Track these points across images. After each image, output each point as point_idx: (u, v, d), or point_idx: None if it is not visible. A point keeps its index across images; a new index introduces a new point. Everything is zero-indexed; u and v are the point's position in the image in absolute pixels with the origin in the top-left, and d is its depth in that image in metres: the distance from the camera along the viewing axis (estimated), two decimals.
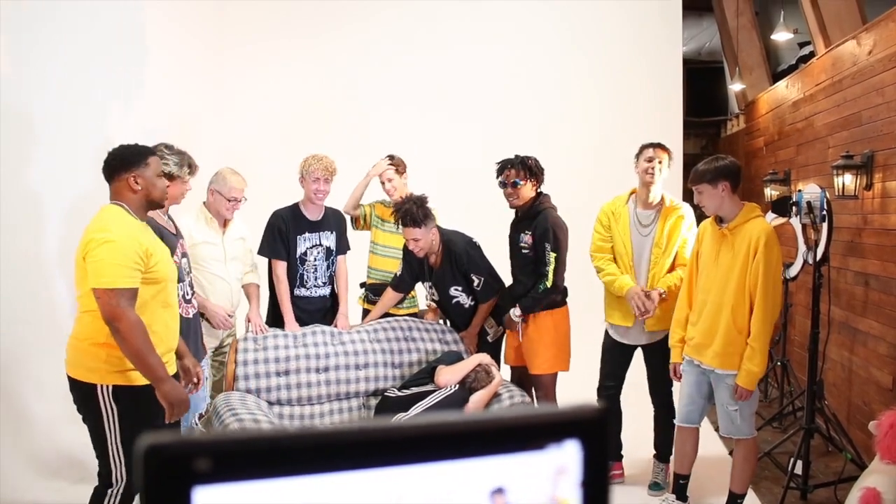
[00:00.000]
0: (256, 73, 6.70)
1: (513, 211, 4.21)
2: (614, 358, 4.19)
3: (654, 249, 4.00)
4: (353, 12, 6.81)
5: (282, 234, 4.20)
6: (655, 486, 4.20)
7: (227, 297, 4.05)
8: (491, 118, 6.87)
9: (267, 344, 4.00)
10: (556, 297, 4.10)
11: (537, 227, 4.03)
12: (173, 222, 3.61)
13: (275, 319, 4.31)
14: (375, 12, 6.85)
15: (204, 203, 4.06)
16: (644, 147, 4.06)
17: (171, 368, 3.04)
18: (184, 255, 3.54)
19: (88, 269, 2.73)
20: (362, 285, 4.79)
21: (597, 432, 0.62)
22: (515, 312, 4.10)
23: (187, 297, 3.53)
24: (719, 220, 3.61)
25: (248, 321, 4.16)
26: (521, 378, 4.31)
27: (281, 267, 4.20)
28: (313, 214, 4.28)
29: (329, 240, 4.31)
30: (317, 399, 3.97)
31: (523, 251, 4.10)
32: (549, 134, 6.57)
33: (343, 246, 4.42)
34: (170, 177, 3.42)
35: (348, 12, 6.81)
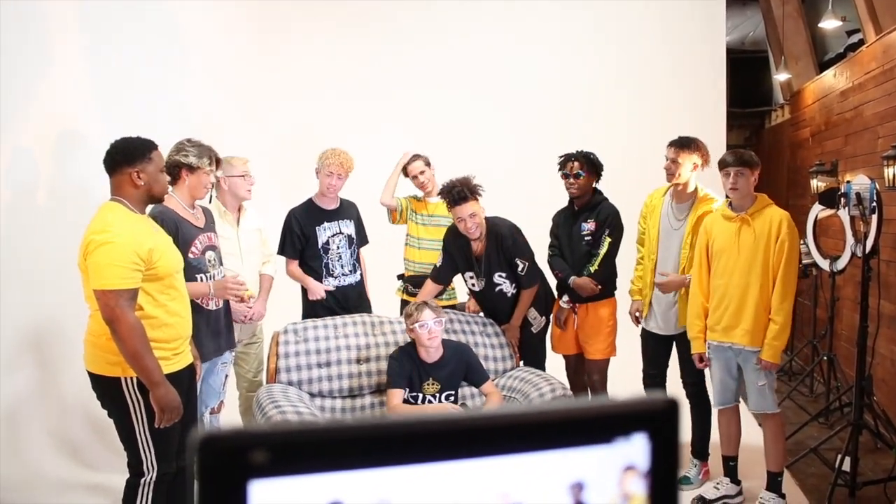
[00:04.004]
0: (284, 71, 6.68)
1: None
2: (652, 346, 4.25)
3: (683, 251, 3.99)
4: (380, 8, 6.80)
5: (292, 233, 4.28)
6: (685, 480, 4.17)
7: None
8: (525, 112, 6.81)
9: (307, 335, 4.00)
10: (609, 287, 4.25)
11: (601, 212, 4.18)
12: (207, 215, 3.61)
13: (309, 312, 4.36)
14: (405, 9, 6.83)
15: (215, 197, 4.04)
16: (668, 145, 4.04)
17: (186, 358, 3.06)
18: (210, 247, 3.53)
19: (89, 270, 2.72)
20: (400, 277, 4.84)
21: (666, 426, 0.60)
22: (565, 299, 4.27)
23: (211, 291, 3.51)
24: (732, 209, 3.72)
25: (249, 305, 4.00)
26: (576, 365, 4.46)
27: (292, 264, 4.32)
28: (328, 204, 4.36)
29: (348, 227, 4.38)
30: (358, 390, 3.97)
31: (585, 239, 4.21)
32: (588, 128, 6.45)
33: (362, 237, 4.50)
34: (190, 168, 3.42)
35: (375, 7, 6.79)
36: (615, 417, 0.60)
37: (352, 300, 4.41)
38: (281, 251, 4.35)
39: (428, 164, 4.68)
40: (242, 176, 3.99)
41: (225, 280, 3.54)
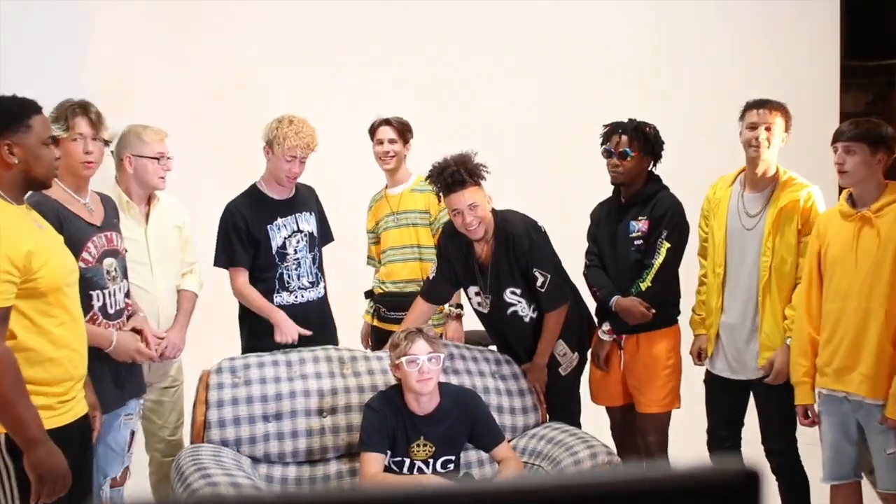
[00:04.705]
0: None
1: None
2: (721, 397, 4.22)
3: (762, 258, 3.98)
4: None
5: (240, 232, 4.28)
6: None
7: (154, 316, 4.00)
8: (555, 70, 6.71)
9: (249, 376, 3.94)
10: (668, 311, 4.22)
11: (657, 207, 4.16)
12: (107, 206, 3.63)
13: (252, 342, 4.35)
14: None
15: (115, 182, 4.02)
16: (747, 107, 4.04)
17: (79, 408, 3.03)
18: (110, 252, 3.53)
19: None
20: (369, 295, 4.94)
21: (747, 497, 0.60)
22: (604, 328, 4.23)
23: (111, 310, 3.49)
24: (851, 203, 3.68)
25: (159, 342, 3.94)
26: (624, 420, 4.43)
27: (241, 276, 4.29)
28: (281, 193, 4.38)
29: (309, 223, 4.43)
30: (320, 454, 3.92)
31: (635, 244, 4.21)
32: (652, 90, 6.43)
33: (326, 233, 4.59)
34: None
35: None
36: (677, 494, 0.60)
37: (313, 325, 4.37)
38: (226, 261, 4.31)
39: (403, 135, 4.78)
40: (157, 158, 3.96)
41: (132, 336, 3.56)
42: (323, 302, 4.51)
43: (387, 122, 4.79)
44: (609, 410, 4.50)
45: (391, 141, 4.74)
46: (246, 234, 4.29)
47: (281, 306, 4.32)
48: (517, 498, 0.60)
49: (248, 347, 4.37)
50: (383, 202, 4.86)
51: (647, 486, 0.63)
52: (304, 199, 4.47)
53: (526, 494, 0.60)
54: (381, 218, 4.85)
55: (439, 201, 4.19)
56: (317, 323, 4.41)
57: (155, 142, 3.97)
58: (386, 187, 4.88)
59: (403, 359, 3.62)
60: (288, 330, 4.25)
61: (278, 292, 4.34)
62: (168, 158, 4.02)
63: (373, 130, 4.81)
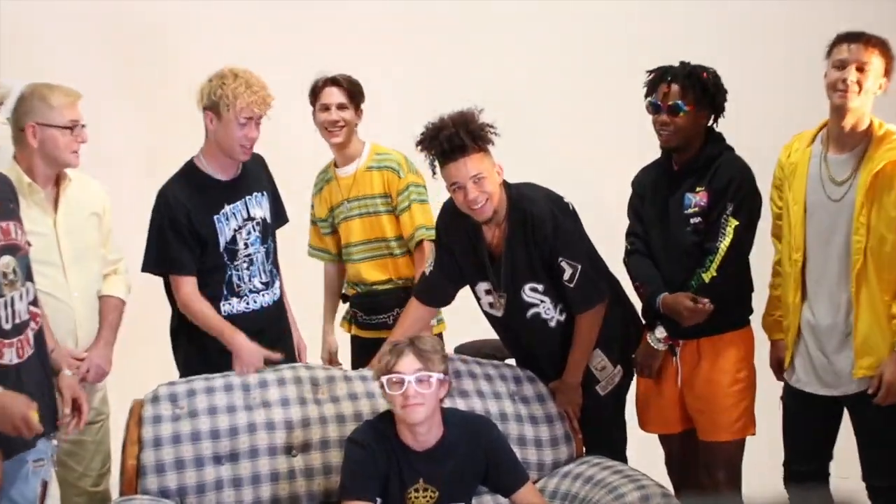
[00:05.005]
0: None
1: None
2: (805, 419, 4.13)
3: (855, 237, 3.88)
4: None
5: (181, 228, 4.22)
6: None
7: (70, 329, 3.98)
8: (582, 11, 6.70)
9: (195, 406, 3.90)
10: (738, 309, 4.22)
11: (719, 174, 4.09)
12: (2, 188, 3.54)
13: (194, 361, 4.30)
14: None
15: (12, 161, 3.99)
16: (837, 40, 3.92)
17: None
18: (7, 248, 3.41)
19: None
20: (344, 300, 5.04)
21: None
22: (658, 333, 4.16)
23: (6, 325, 3.35)
24: None
25: (78, 364, 4.01)
26: (682, 451, 4.40)
27: (188, 286, 4.23)
28: (227, 171, 4.32)
29: (261, 206, 4.41)
30: None
31: (692, 221, 4.14)
32: (706, 22, 6.46)
33: (280, 215, 4.61)
34: None
35: None
36: None
37: (269, 335, 4.36)
38: (164, 265, 4.26)
39: (354, 98, 4.73)
40: (69, 128, 3.92)
41: (21, 401, 3.36)
42: (279, 306, 4.51)
43: (334, 81, 4.76)
44: (663, 439, 4.47)
45: (340, 106, 4.72)
46: (189, 231, 4.23)
47: (230, 316, 4.28)
48: None
49: (186, 365, 4.35)
50: (334, 185, 4.89)
51: None
52: (254, 177, 4.42)
53: None
54: (337, 205, 4.87)
55: (433, 173, 4.09)
56: (273, 335, 4.40)
57: (65, 106, 3.93)
58: (334, 165, 4.90)
59: (384, 378, 3.56)
60: (251, 359, 4.17)
61: (227, 299, 4.31)
62: (82, 127, 3.97)
63: (315, 92, 4.78)
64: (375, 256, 4.79)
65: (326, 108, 4.71)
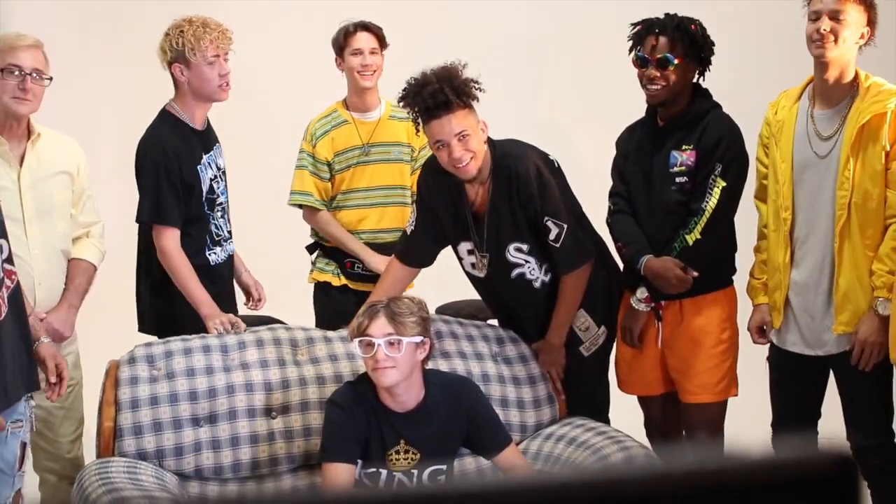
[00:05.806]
0: None
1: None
2: (793, 380, 4.15)
3: (838, 193, 3.88)
4: None
5: (173, 177, 4.23)
6: None
7: (28, 286, 3.82)
8: None
9: (172, 367, 3.88)
10: (722, 270, 4.21)
11: (707, 132, 4.05)
12: None
13: (169, 321, 4.30)
14: None
15: None
16: None
17: None
18: None
19: None
20: (313, 248, 5.00)
21: (839, 495, 0.70)
22: (640, 294, 4.12)
23: None
24: None
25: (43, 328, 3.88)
26: (665, 413, 4.41)
27: (173, 239, 4.22)
28: (201, 120, 4.40)
29: (222, 157, 4.53)
30: (269, 467, 3.89)
31: (678, 181, 4.10)
32: None
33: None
34: None
35: None
36: (765, 484, 0.68)
37: (230, 282, 4.56)
38: (157, 214, 4.22)
39: (383, 44, 4.78)
40: (25, 74, 3.87)
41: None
42: (231, 258, 4.59)
43: (365, 27, 4.79)
44: (643, 401, 4.46)
45: (373, 52, 4.76)
46: (181, 181, 4.27)
47: (217, 265, 4.41)
48: (529, 497, 0.63)
49: (161, 326, 4.33)
50: (350, 129, 4.84)
51: (706, 482, 0.67)
52: (212, 128, 4.51)
53: (536, 493, 0.63)
54: (346, 150, 4.82)
55: (417, 132, 4.15)
56: (227, 286, 4.56)
57: (18, 46, 3.96)
58: (347, 109, 4.88)
59: (356, 340, 3.60)
60: (222, 318, 4.20)
61: (210, 248, 4.38)
62: (43, 74, 3.97)
63: (345, 38, 4.78)
64: (389, 203, 4.83)
65: (359, 52, 4.75)
